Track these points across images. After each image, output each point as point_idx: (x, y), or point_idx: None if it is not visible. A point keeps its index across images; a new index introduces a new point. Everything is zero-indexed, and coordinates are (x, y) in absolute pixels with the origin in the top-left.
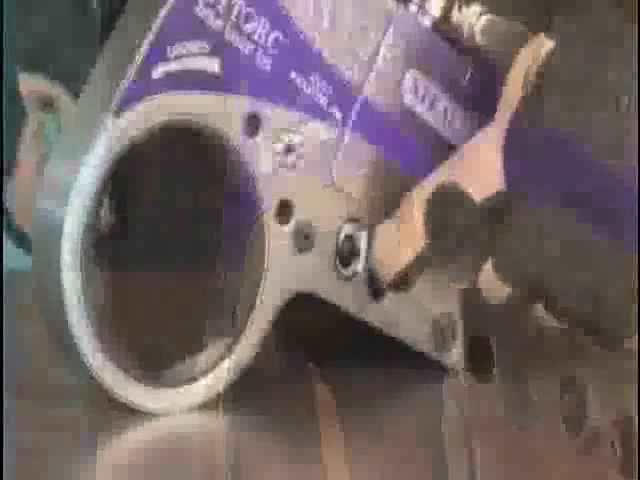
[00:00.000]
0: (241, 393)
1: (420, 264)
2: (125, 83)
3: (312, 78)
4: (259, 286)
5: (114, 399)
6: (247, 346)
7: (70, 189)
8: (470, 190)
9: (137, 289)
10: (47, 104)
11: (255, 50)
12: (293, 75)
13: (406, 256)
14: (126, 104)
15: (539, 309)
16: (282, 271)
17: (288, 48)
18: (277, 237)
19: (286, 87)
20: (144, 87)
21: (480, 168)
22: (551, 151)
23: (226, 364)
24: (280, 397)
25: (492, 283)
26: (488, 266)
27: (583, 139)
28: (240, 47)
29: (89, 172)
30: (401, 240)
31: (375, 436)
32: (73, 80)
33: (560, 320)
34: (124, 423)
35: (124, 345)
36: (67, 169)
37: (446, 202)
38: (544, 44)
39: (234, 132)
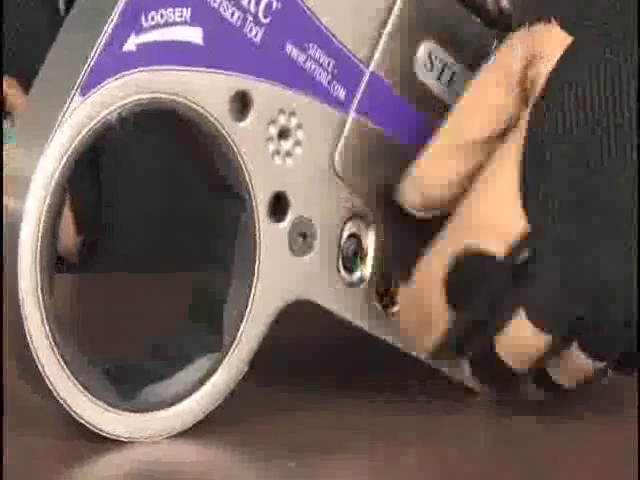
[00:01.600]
0: (229, 417)
1: (450, 342)
2: (93, 57)
3: (311, 51)
4: (250, 293)
5: (77, 422)
6: (235, 363)
7: (29, 181)
8: (488, 246)
9: (107, 296)
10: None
11: (244, 18)
12: (288, 48)
13: (434, 336)
14: (94, 81)
15: (574, 351)
16: (276, 275)
17: (282, 16)
18: (270, 236)
19: (280, 61)
20: (114, 62)
21: (495, 210)
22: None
23: (211, 384)
24: (275, 424)
25: (528, 336)
26: (520, 317)
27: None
28: (227, 15)
29: (51, 161)
30: (425, 322)
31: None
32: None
33: (597, 359)
34: (87, 452)
35: (88, 361)
36: (26, 158)
37: (465, 271)
38: (559, 38)
39: (220, 113)
